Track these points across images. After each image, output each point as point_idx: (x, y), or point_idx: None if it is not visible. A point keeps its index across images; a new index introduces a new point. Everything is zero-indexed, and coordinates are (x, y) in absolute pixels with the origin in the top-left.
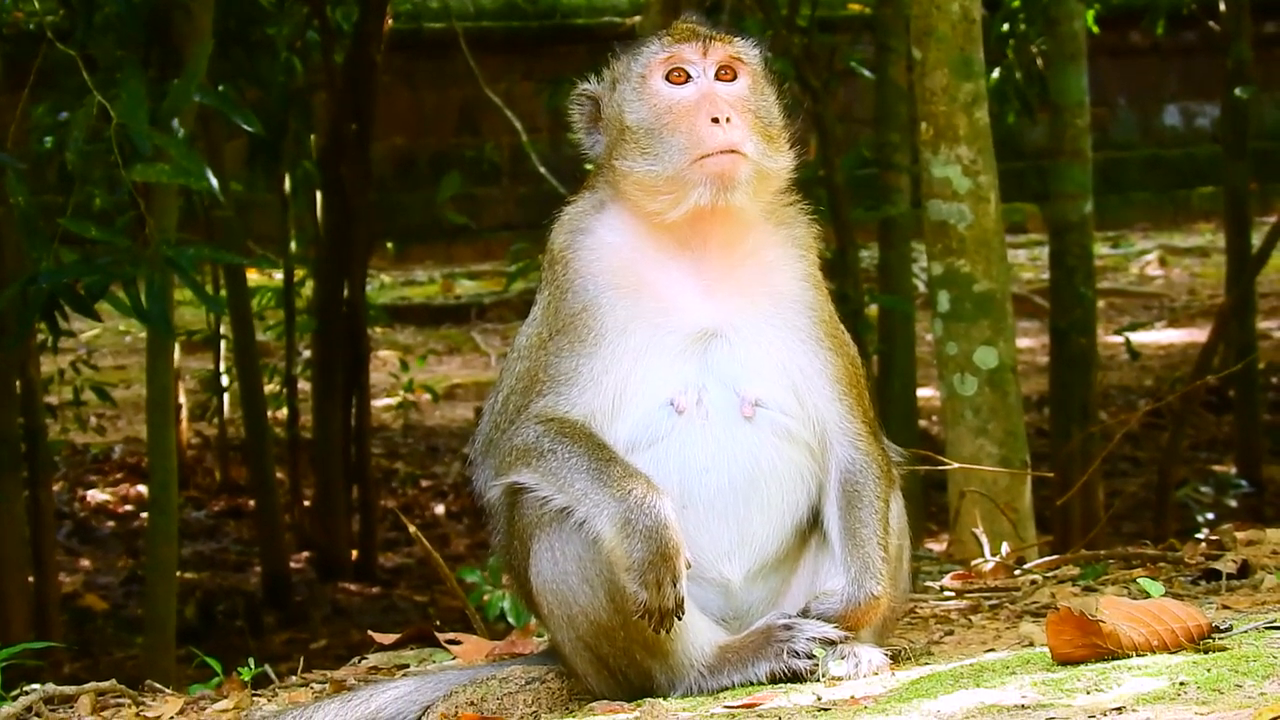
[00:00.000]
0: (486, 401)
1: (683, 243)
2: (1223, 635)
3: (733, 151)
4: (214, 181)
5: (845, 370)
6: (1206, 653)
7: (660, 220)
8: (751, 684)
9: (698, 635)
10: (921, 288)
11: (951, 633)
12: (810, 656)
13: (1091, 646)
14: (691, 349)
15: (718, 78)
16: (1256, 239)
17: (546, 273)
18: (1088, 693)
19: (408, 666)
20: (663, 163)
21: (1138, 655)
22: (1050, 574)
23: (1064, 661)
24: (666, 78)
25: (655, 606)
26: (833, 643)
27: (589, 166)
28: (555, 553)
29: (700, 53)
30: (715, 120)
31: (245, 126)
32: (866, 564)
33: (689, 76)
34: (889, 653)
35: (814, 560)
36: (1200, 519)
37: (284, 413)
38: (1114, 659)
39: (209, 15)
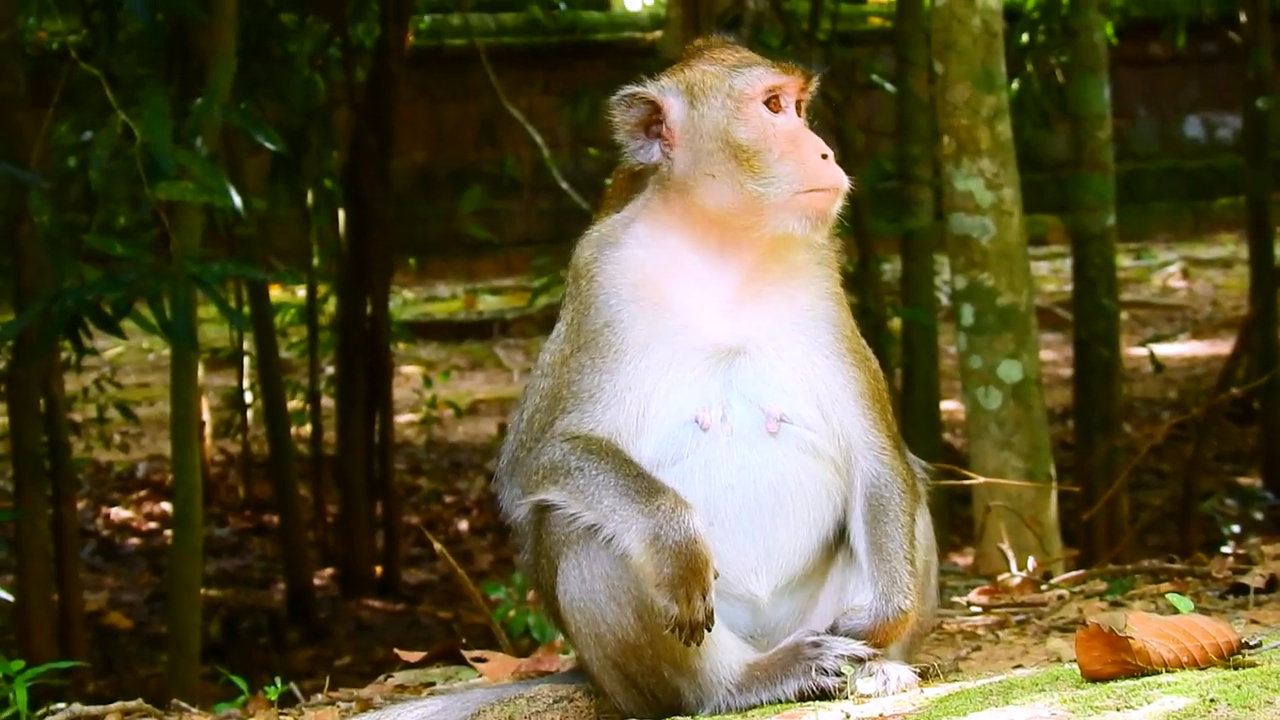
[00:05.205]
0: (511, 419)
1: (713, 260)
2: (1252, 651)
3: (836, 189)
4: (237, 200)
5: (869, 385)
6: (1236, 669)
7: (745, 237)
8: (780, 702)
9: (726, 653)
10: (944, 300)
11: (979, 648)
12: (838, 674)
13: (1121, 663)
14: (715, 365)
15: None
16: (1279, 250)
17: (570, 288)
18: (1117, 710)
19: (434, 684)
20: (772, 187)
21: (1167, 672)
22: (1077, 589)
23: (1093, 678)
24: (766, 103)
25: (686, 619)
26: (861, 660)
27: (609, 181)
28: (583, 570)
29: (798, 86)
30: (824, 156)
31: (268, 145)
32: (894, 579)
33: (781, 106)
34: (917, 670)
35: (841, 576)
36: (1225, 531)
37: (307, 429)
38: (1143, 676)
39: (232, 33)
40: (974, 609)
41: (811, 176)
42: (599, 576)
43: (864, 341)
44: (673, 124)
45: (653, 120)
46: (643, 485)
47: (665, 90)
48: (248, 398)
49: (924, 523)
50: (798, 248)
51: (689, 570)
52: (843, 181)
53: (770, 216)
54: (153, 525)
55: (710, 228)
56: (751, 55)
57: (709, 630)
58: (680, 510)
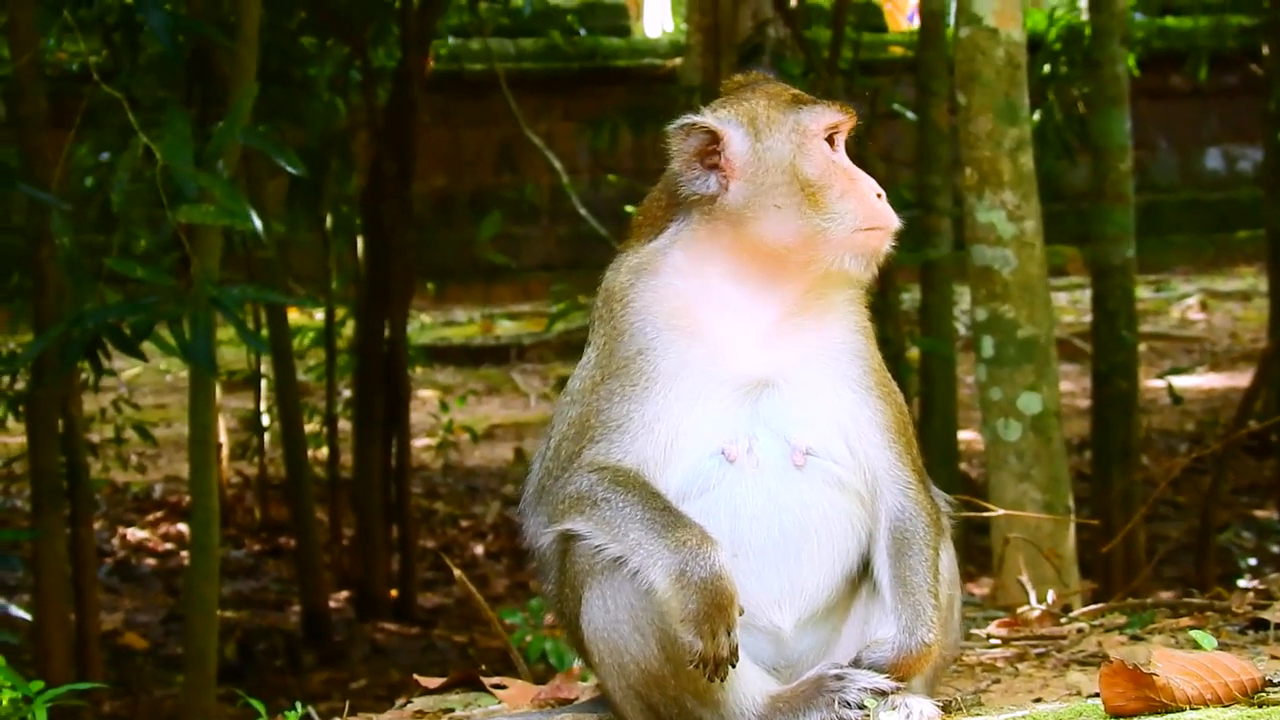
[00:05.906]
0: (538, 446)
1: (755, 292)
2: (1276, 689)
3: (890, 228)
4: (258, 224)
5: (894, 418)
6: (1260, 706)
7: (795, 271)
8: None
9: (749, 685)
10: (963, 330)
11: (999, 681)
12: (861, 707)
13: (1145, 700)
14: (743, 397)
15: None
16: None
17: (602, 313)
18: None
19: (453, 711)
20: (835, 223)
21: (1191, 709)
22: (1097, 622)
23: (1117, 715)
24: (825, 140)
25: (710, 655)
26: (884, 693)
27: (631, 209)
28: (607, 601)
29: (849, 126)
30: (879, 195)
31: (289, 169)
32: (918, 612)
33: (836, 144)
34: (940, 703)
35: (864, 609)
36: (1242, 564)
37: (324, 452)
38: (1167, 713)
39: (253, 56)
40: (993, 641)
41: (870, 215)
42: (623, 607)
43: (889, 374)
44: (732, 156)
45: (709, 150)
46: (669, 519)
47: (725, 121)
48: (265, 420)
49: (947, 556)
50: (841, 283)
51: (714, 606)
52: (895, 221)
53: (829, 252)
54: (169, 546)
55: (756, 260)
56: (803, 93)
57: (733, 666)
58: (706, 546)
